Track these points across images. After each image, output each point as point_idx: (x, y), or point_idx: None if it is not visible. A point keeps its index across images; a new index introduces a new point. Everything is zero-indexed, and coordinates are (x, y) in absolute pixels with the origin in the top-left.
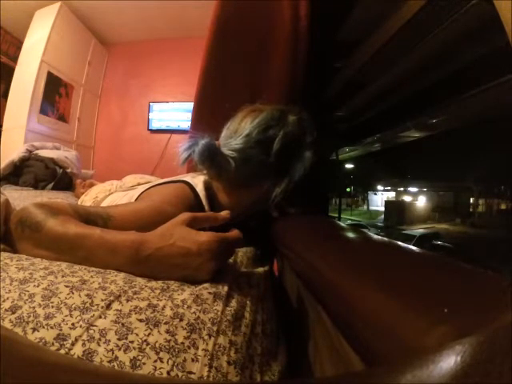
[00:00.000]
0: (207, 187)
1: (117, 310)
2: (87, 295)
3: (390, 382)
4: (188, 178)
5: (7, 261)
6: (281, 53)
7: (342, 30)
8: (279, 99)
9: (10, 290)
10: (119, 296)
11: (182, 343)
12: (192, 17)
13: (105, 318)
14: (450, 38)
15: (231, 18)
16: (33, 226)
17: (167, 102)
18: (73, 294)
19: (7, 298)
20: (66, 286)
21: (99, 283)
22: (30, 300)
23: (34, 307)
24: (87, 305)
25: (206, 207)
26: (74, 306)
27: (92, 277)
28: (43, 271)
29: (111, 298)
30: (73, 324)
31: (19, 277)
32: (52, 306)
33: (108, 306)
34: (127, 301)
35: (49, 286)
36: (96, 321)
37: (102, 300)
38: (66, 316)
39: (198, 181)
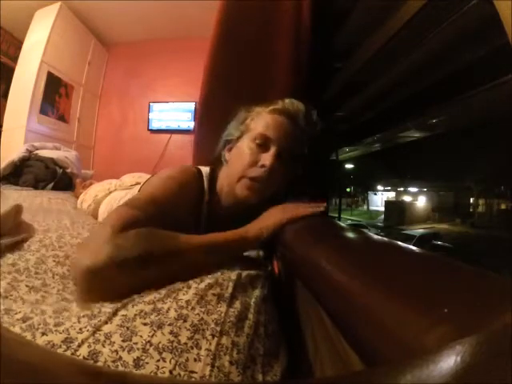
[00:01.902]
0: (212, 170)
1: (122, 315)
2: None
3: (390, 381)
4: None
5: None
6: (284, 53)
7: (342, 31)
8: (283, 98)
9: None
10: (126, 303)
11: (185, 343)
12: (192, 16)
13: (111, 322)
14: (450, 38)
15: (235, 19)
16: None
17: (167, 102)
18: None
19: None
20: None
21: None
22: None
23: (44, 318)
24: (95, 312)
25: (206, 184)
26: (83, 314)
27: None
28: (56, 296)
29: (118, 306)
30: (80, 329)
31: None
32: (62, 318)
33: (115, 313)
34: (133, 306)
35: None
36: (102, 326)
37: (110, 308)
38: (75, 323)
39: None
